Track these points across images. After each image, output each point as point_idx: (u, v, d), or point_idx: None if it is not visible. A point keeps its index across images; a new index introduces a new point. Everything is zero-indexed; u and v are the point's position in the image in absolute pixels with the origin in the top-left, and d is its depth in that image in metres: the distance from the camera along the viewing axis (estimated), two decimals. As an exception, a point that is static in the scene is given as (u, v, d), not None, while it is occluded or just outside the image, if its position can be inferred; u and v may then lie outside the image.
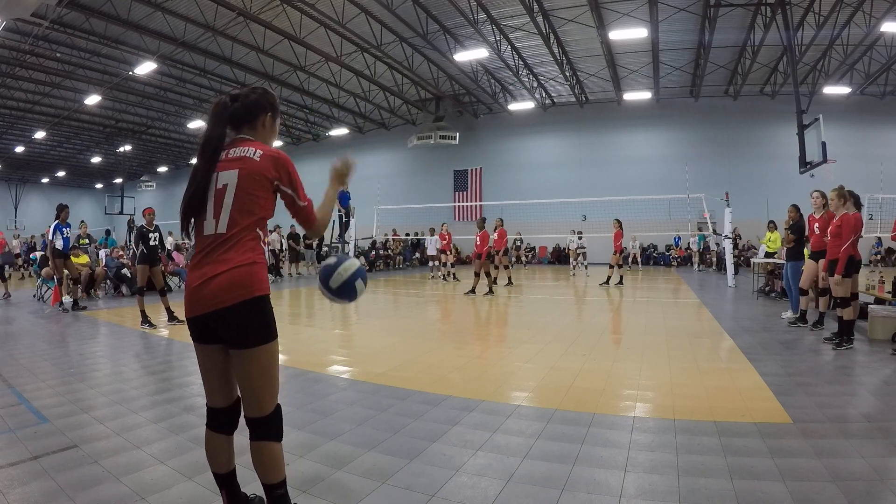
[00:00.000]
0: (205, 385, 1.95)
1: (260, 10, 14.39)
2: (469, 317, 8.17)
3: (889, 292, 6.38)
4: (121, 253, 11.86)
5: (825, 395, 3.64)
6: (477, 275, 10.94)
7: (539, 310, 8.75)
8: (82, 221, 11.81)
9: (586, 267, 18.11)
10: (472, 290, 10.81)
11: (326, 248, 19.34)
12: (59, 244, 8.42)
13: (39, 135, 25.48)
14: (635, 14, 14.37)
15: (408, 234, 23.10)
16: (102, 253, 12.69)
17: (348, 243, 16.20)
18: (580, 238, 18.65)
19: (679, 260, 20.98)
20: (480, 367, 4.69)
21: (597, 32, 15.60)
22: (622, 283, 12.55)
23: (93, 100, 19.87)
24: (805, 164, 11.98)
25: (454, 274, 14.91)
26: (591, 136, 23.33)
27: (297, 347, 5.69)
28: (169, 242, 15.65)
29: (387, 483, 2.40)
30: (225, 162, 1.86)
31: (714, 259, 18.21)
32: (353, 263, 2.08)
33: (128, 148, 29.52)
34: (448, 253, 15.07)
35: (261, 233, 1.88)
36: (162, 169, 37.43)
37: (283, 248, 16.73)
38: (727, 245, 13.13)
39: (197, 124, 25.17)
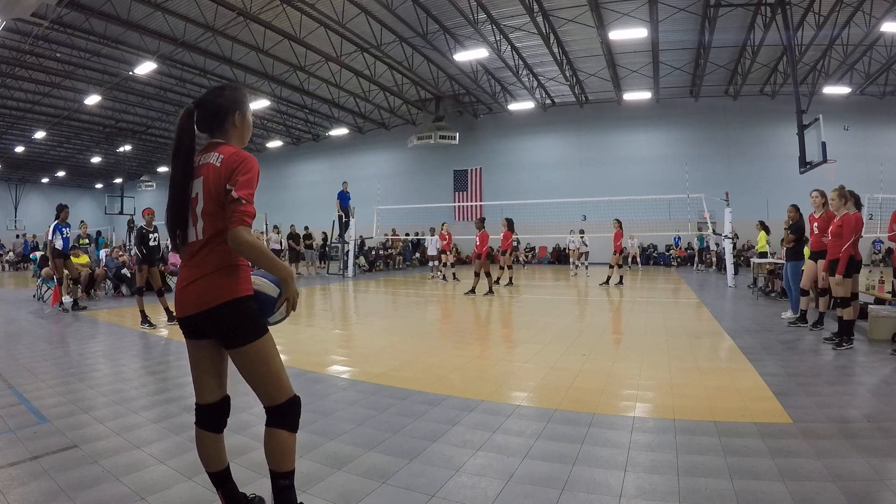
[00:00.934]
0: (194, 382, 1.97)
1: (260, 10, 14.39)
2: (469, 317, 8.17)
3: (889, 292, 6.38)
4: (120, 253, 11.85)
5: (825, 395, 3.64)
6: (477, 275, 10.94)
7: (539, 310, 8.75)
8: (82, 221, 11.82)
9: (587, 267, 18.11)
10: (472, 290, 10.81)
11: (326, 248, 19.38)
12: (58, 244, 8.42)
13: (39, 135, 25.48)
14: (635, 14, 14.37)
15: (408, 234, 23.11)
16: (102, 253, 12.70)
17: (348, 243, 16.20)
18: (582, 238, 18.66)
19: (679, 260, 20.97)
20: (480, 367, 4.69)
21: (597, 32, 15.60)
22: (622, 283, 12.56)
23: (93, 100, 19.87)
24: (805, 164, 12.00)
25: (454, 274, 14.92)
26: (591, 136, 23.33)
27: (297, 347, 5.69)
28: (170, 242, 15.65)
29: (387, 483, 2.40)
30: (196, 169, 1.89)
31: (714, 259, 18.21)
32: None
33: (128, 148, 29.51)
34: (448, 253, 15.07)
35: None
36: (162, 169, 37.41)
37: (283, 248, 16.72)
38: (727, 245, 13.13)
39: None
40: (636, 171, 21.86)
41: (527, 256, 23.74)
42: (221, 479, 1.97)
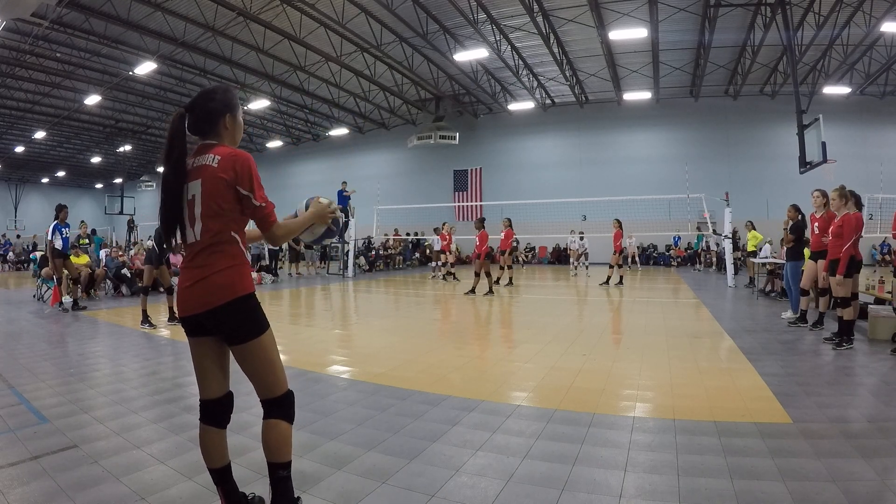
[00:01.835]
0: (198, 378, 1.99)
1: (260, 10, 14.39)
2: (469, 317, 8.17)
3: (889, 292, 6.38)
4: (120, 253, 11.84)
5: (825, 395, 3.64)
6: (477, 275, 10.94)
7: (539, 310, 8.74)
8: (82, 221, 11.82)
9: (587, 267, 18.12)
10: (472, 290, 10.81)
11: (327, 248, 19.38)
12: (58, 244, 8.41)
13: (39, 135, 25.48)
14: (635, 14, 14.37)
15: (408, 234, 23.10)
16: (102, 253, 12.69)
17: (348, 243, 16.20)
18: (581, 238, 18.66)
19: (679, 260, 20.96)
20: (480, 367, 4.69)
21: (597, 32, 15.60)
22: (622, 283, 12.56)
23: (93, 100, 19.87)
24: (805, 164, 12.00)
25: (454, 274, 14.92)
26: (591, 136, 23.33)
27: (297, 347, 5.69)
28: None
29: (387, 483, 2.40)
30: (191, 171, 1.92)
31: (714, 259, 18.21)
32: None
33: (128, 148, 29.53)
34: (448, 253, 15.06)
35: (236, 235, 1.92)
36: (161, 169, 37.45)
37: (283, 248, 16.72)
38: (727, 245, 13.15)
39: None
40: (636, 171, 21.86)
41: (527, 256, 23.73)
42: (222, 476, 1.99)
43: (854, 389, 3.84)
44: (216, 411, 1.98)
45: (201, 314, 1.86)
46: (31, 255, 19.19)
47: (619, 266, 13.17)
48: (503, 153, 24.79)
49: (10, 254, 25.01)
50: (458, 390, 3.88)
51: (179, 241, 1.96)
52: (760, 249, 11.93)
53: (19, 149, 28.50)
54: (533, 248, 24.60)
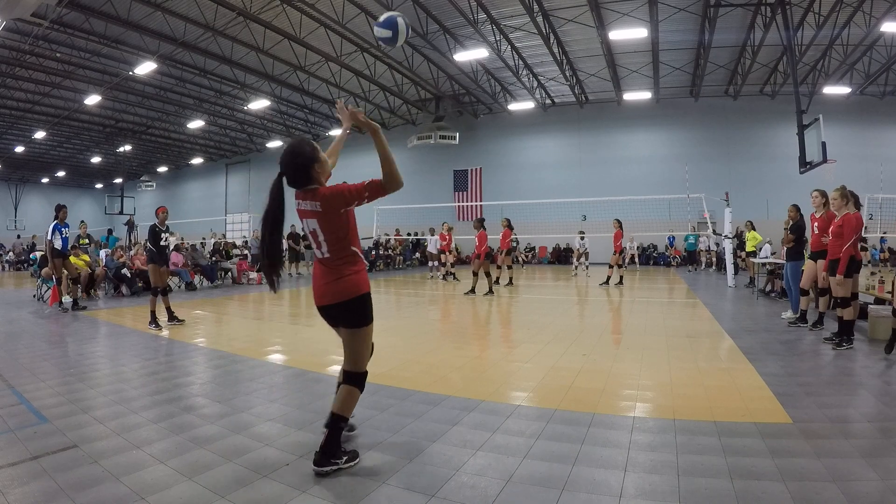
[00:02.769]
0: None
1: (260, 10, 14.39)
2: (469, 317, 8.17)
3: (889, 292, 6.38)
4: (120, 253, 11.84)
5: (825, 395, 3.64)
6: (475, 274, 10.94)
7: (539, 310, 8.74)
8: (82, 221, 11.82)
9: (587, 267, 18.13)
10: (472, 290, 10.81)
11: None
12: (57, 244, 8.41)
13: (39, 135, 25.48)
14: (635, 14, 14.37)
15: (408, 234, 23.09)
16: (103, 253, 12.69)
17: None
18: (582, 239, 18.67)
19: (679, 260, 20.95)
20: (480, 367, 4.69)
21: (597, 32, 15.60)
22: (622, 283, 12.56)
23: (93, 100, 19.87)
24: (805, 164, 12.01)
25: (454, 274, 14.92)
26: (591, 136, 23.33)
27: (297, 347, 5.69)
28: (171, 242, 15.66)
29: (387, 483, 2.40)
30: (303, 212, 2.54)
31: (714, 259, 18.18)
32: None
33: (128, 148, 29.53)
34: (447, 253, 15.05)
35: (356, 249, 2.56)
36: (162, 169, 37.43)
37: (284, 248, 16.72)
38: (727, 245, 13.14)
39: (197, 124, 25.18)
40: (636, 171, 21.86)
41: (527, 256, 23.73)
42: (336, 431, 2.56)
43: (854, 389, 3.84)
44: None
45: (329, 307, 2.53)
46: (30, 255, 19.20)
47: (620, 266, 13.17)
48: (503, 153, 24.79)
49: (11, 254, 25.02)
50: (458, 390, 3.88)
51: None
52: (760, 249, 11.94)
53: (19, 149, 28.49)
54: (533, 248, 24.60)
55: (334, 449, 2.51)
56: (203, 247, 18.48)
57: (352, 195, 2.41)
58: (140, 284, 11.10)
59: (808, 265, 6.68)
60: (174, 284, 12.12)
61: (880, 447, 2.70)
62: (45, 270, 9.94)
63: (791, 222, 7.45)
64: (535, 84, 20.93)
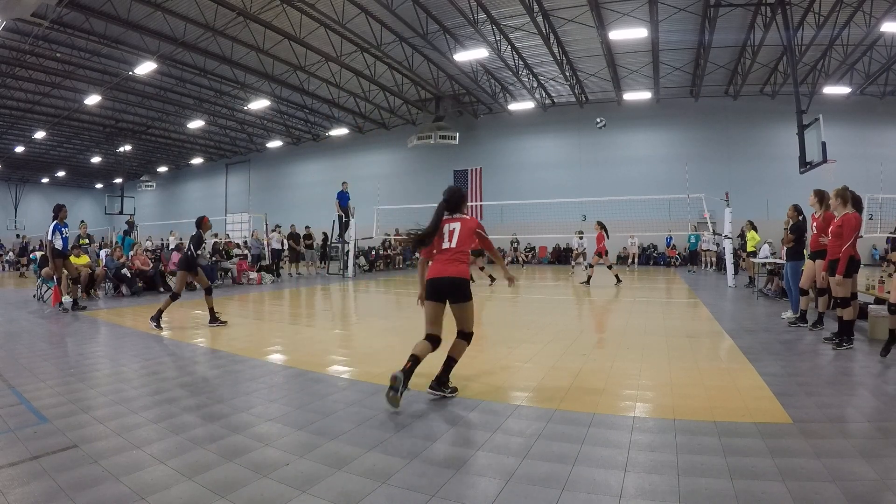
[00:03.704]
0: (429, 322, 3.67)
1: (260, 10, 14.40)
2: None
3: (888, 292, 6.37)
4: (120, 253, 11.83)
5: (825, 395, 3.64)
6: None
7: (539, 310, 8.74)
8: (82, 221, 11.80)
9: (585, 267, 18.12)
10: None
11: (327, 248, 19.40)
12: (58, 244, 8.40)
13: (39, 135, 25.49)
14: (635, 14, 14.37)
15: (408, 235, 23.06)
16: (103, 253, 12.69)
17: (348, 243, 16.20)
18: (581, 238, 18.66)
19: (678, 260, 20.93)
20: (480, 367, 4.69)
21: (597, 32, 15.61)
22: (620, 282, 12.56)
23: (93, 100, 19.88)
24: (805, 164, 12.00)
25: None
26: (591, 136, 23.31)
27: (297, 347, 5.69)
28: (171, 241, 15.68)
29: (387, 483, 2.40)
30: (450, 219, 3.81)
31: (714, 259, 18.17)
32: None
33: (128, 148, 29.54)
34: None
35: (468, 250, 3.74)
36: (162, 169, 37.44)
37: (284, 248, 16.71)
38: (727, 245, 13.14)
39: (197, 124, 25.18)
40: (636, 171, 21.86)
41: (527, 256, 23.74)
42: (416, 363, 3.51)
43: (854, 389, 3.84)
44: (434, 342, 3.63)
45: (447, 280, 3.59)
46: (30, 255, 19.21)
47: (610, 267, 13.23)
48: (503, 153, 24.79)
49: (11, 254, 25.00)
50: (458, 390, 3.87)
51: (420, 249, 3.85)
52: (760, 249, 11.95)
53: (19, 149, 28.51)
54: (533, 248, 24.60)
55: (445, 380, 3.67)
56: (203, 247, 18.46)
57: (480, 231, 3.86)
58: (140, 284, 11.10)
59: (807, 265, 6.69)
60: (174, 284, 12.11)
61: (880, 447, 2.70)
62: (45, 270, 9.93)
63: (791, 222, 7.45)
64: (535, 84, 20.93)
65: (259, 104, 21.88)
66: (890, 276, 6.76)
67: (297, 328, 7.10)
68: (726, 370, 4.43)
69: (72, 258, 8.99)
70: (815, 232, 6.25)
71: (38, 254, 13.99)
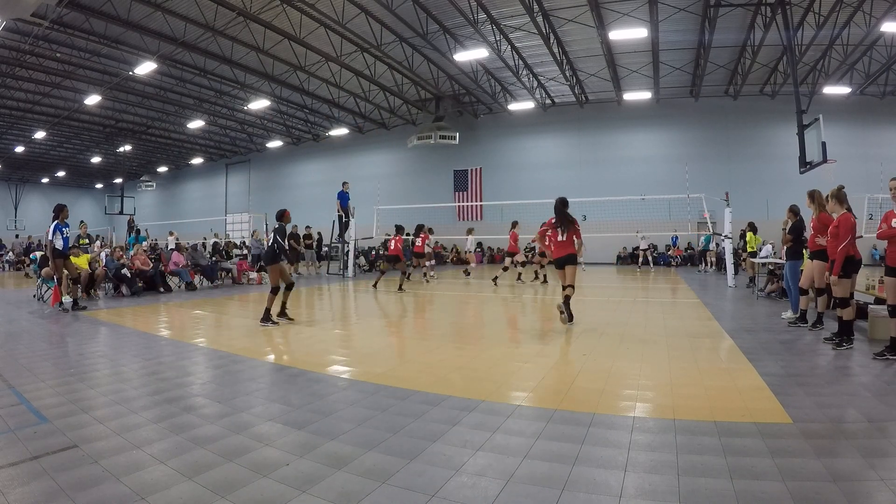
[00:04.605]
0: (561, 279, 6.68)
1: (260, 10, 14.40)
2: (469, 317, 8.17)
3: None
4: (120, 253, 11.83)
5: (825, 395, 3.64)
6: (403, 272, 11.98)
7: (539, 310, 8.74)
8: (82, 221, 11.79)
9: (585, 268, 18.11)
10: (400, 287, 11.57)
11: (326, 248, 19.40)
12: (58, 244, 8.40)
13: (39, 135, 25.50)
14: (635, 14, 14.37)
15: (408, 234, 23.06)
16: (103, 253, 12.68)
17: (348, 243, 16.20)
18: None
19: (679, 260, 20.92)
20: (480, 367, 4.69)
21: (597, 32, 15.61)
22: (547, 282, 12.82)
23: (93, 100, 19.88)
24: (805, 164, 12.00)
25: (432, 275, 15.19)
26: (591, 136, 23.35)
27: (297, 347, 5.69)
28: (171, 241, 15.66)
29: (387, 483, 2.39)
30: (554, 223, 6.76)
31: (714, 259, 18.16)
32: None
33: (128, 148, 29.55)
34: (424, 255, 14.98)
35: (576, 238, 6.72)
36: (162, 169, 37.44)
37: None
38: (727, 245, 13.14)
39: (197, 124, 25.19)
40: (636, 171, 21.86)
41: (527, 256, 23.71)
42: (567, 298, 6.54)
43: (854, 389, 3.83)
44: (568, 288, 6.55)
45: (564, 257, 6.61)
46: (30, 255, 19.20)
47: (542, 267, 13.49)
48: (503, 153, 24.79)
49: (10, 254, 25.00)
50: (458, 390, 3.88)
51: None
52: (760, 250, 11.96)
53: (19, 149, 28.51)
54: (533, 249, 24.57)
55: (568, 310, 6.44)
56: (203, 247, 18.48)
57: (577, 229, 6.70)
58: (140, 284, 11.09)
59: (806, 265, 6.69)
60: (174, 285, 12.12)
61: (880, 447, 2.70)
62: (45, 270, 9.93)
63: (790, 223, 7.46)
64: (535, 84, 20.94)
65: (259, 104, 21.88)
66: None
67: (297, 328, 7.10)
68: (726, 370, 4.42)
69: (71, 258, 8.98)
70: (811, 233, 6.27)
71: (38, 254, 13.98)
